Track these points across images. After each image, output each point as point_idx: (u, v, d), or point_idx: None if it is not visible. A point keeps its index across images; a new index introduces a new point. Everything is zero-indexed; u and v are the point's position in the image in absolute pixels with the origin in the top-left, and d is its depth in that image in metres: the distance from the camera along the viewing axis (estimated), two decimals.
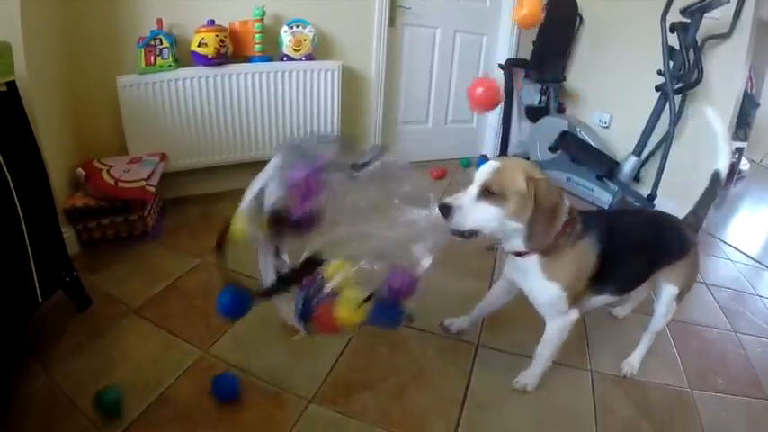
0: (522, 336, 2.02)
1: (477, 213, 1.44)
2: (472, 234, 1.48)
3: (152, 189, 2.57)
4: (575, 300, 1.61)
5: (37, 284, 1.73)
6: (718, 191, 1.91)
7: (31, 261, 1.70)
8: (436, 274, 2.37)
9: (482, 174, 1.46)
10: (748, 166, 6.00)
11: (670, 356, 2.07)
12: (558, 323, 1.66)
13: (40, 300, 1.76)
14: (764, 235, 4.23)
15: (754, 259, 3.29)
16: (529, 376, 1.78)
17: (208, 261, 2.36)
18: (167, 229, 2.74)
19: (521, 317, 2.02)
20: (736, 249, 3.41)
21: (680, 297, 1.86)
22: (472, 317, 2.03)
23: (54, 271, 1.88)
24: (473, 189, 1.46)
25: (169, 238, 2.64)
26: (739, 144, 4.56)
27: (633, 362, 1.98)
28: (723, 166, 1.86)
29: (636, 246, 1.71)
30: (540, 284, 1.58)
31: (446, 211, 1.45)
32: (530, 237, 1.46)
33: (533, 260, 1.54)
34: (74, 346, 1.79)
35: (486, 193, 1.43)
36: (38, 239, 1.73)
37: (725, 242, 3.50)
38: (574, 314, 1.65)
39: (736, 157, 4.89)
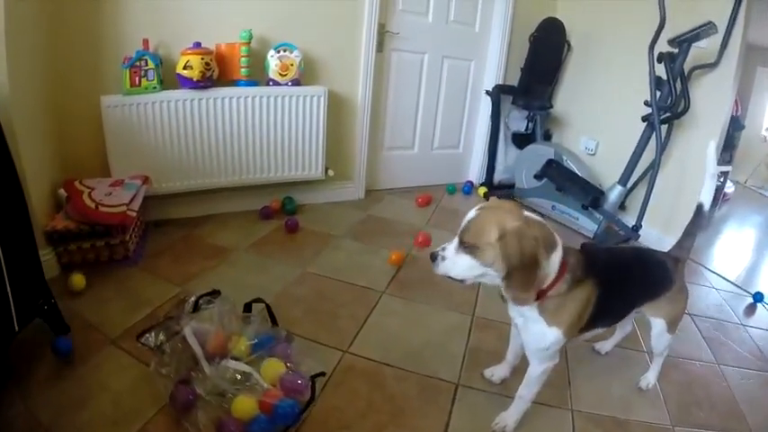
0: None
1: (458, 264, 1.44)
2: (461, 281, 1.48)
3: (133, 214, 2.52)
4: (568, 341, 1.58)
5: (14, 314, 1.67)
6: (703, 223, 1.92)
7: (8, 290, 1.64)
8: (418, 309, 2.38)
9: (462, 223, 1.44)
10: (733, 188, 6.06)
11: (652, 391, 2.04)
12: (543, 367, 1.63)
13: (17, 329, 1.70)
14: (748, 259, 4.27)
15: (737, 286, 3.31)
16: (508, 417, 1.74)
17: (188, 289, 2.32)
18: (149, 252, 2.69)
19: (501, 354, 2.00)
20: (720, 276, 3.42)
21: (670, 329, 1.88)
22: (509, 363, 1.98)
23: (32, 299, 1.82)
24: (455, 239, 1.45)
25: (150, 262, 2.59)
26: (725, 168, 4.60)
27: (650, 377, 2.07)
28: (706, 200, 1.87)
29: (626, 282, 1.69)
30: (540, 330, 1.52)
31: (433, 258, 1.48)
32: (507, 290, 1.40)
33: (532, 307, 1.49)
34: (51, 375, 1.74)
35: (464, 243, 1.41)
36: (15, 267, 1.67)
37: (708, 269, 3.51)
38: (557, 357, 1.63)
39: (722, 180, 4.93)
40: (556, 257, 1.41)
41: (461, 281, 1.47)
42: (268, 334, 1.86)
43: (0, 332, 1.64)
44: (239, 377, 1.65)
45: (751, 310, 3.00)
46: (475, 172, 4.58)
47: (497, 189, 4.24)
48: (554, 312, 1.49)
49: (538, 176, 3.88)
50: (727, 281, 3.36)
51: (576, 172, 3.73)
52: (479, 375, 1.99)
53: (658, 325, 1.87)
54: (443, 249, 1.47)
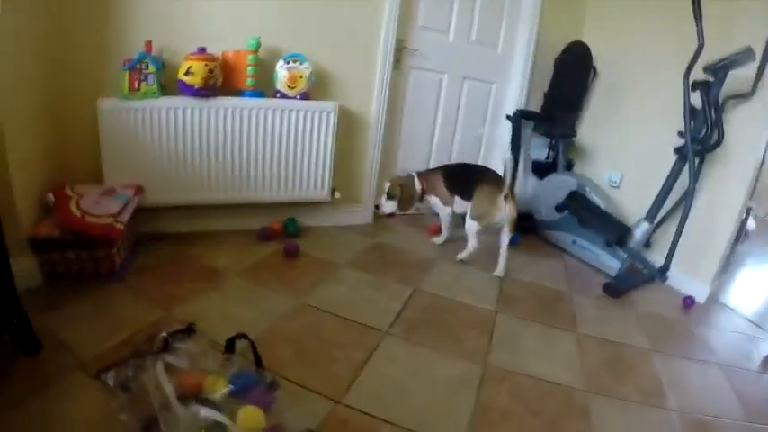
0: None
1: (389, 204, 3.28)
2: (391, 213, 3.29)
3: (120, 227, 2.32)
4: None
5: None
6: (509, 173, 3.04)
7: None
8: (423, 355, 2.14)
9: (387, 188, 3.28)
10: (754, 224, 5.88)
11: None
12: (442, 214, 3.43)
13: None
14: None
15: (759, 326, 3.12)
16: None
17: (172, 315, 2.12)
18: (136, 268, 2.50)
19: (515, 414, 1.77)
20: (750, 321, 3.20)
21: (471, 215, 3.12)
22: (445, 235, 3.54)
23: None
24: (384, 196, 3.30)
25: (136, 278, 2.40)
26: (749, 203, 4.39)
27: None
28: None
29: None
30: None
31: (378, 207, 3.35)
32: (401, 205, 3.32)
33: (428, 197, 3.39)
34: (16, 399, 1.55)
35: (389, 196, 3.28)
36: None
37: (734, 311, 3.29)
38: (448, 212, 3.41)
39: (744, 216, 4.74)
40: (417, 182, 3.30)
41: (391, 213, 3.28)
42: (250, 377, 1.63)
43: None
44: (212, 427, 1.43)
45: None
46: (500, 213, 4.32)
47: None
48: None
49: (559, 208, 3.66)
50: (758, 326, 3.14)
51: (601, 206, 3.50)
52: None
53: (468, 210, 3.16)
54: (381, 201, 3.29)
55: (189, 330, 1.78)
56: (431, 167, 3.51)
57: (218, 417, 1.43)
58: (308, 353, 2.04)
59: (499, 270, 3.13)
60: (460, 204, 3.26)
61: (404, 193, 3.23)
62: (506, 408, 1.88)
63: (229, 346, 1.78)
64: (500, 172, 3.18)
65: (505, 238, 3.12)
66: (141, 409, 1.46)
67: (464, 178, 3.24)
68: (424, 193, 3.31)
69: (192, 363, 1.59)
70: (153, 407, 1.45)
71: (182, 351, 1.64)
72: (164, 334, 1.70)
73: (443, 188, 3.28)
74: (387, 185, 3.26)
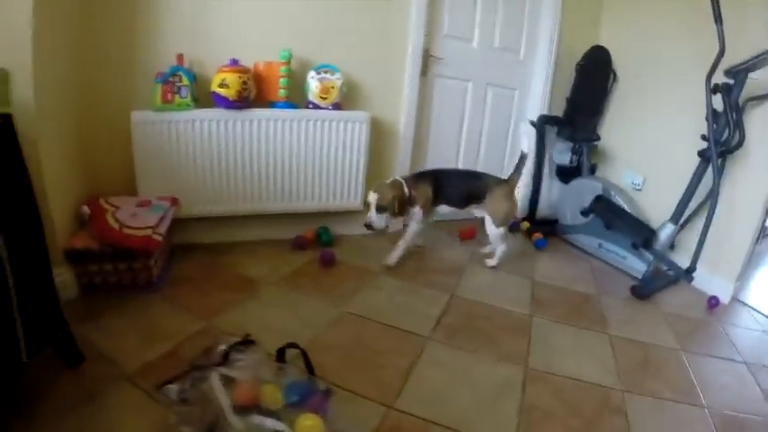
0: None
1: (381, 218, 2.85)
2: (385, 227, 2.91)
3: (159, 238, 2.35)
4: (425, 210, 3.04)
5: (22, 343, 1.53)
6: (524, 165, 3.16)
7: (17, 317, 1.50)
8: (465, 359, 2.17)
9: (373, 201, 2.83)
10: None
11: None
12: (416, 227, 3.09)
13: (25, 359, 1.55)
14: None
15: None
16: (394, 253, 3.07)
17: (213, 325, 2.15)
18: (172, 278, 2.55)
19: (558, 415, 1.78)
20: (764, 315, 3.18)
21: (496, 222, 3.09)
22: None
23: (43, 327, 1.67)
24: (372, 209, 2.84)
25: (172, 289, 2.43)
26: None
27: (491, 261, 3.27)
28: (526, 148, 3.14)
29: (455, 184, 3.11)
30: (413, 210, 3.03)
31: (369, 225, 2.86)
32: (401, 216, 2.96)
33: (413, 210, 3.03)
34: (59, 410, 1.56)
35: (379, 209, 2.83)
36: (25, 292, 1.53)
37: (756, 310, 3.25)
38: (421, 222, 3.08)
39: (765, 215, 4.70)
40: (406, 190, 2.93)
41: (385, 227, 2.91)
42: (306, 386, 1.66)
43: (6, 364, 1.49)
44: None
45: None
46: (518, 205, 4.33)
47: (539, 224, 4.02)
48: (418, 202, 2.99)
49: (585, 213, 3.68)
50: None
51: (626, 209, 3.52)
52: None
53: (487, 219, 3.11)
54: (370, 218, 2.84)
55: (247, 342, 1.80)
56: (415, 173, 3.14)
57: (281, 426, 1.46)
58: (354, 360, 2.06)
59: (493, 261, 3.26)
60: (444, 209, 3.13)
61: (399, 204, 2.87)
62: (549, 409, 1.91)
63: (280, 355, 1.80)
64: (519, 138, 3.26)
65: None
66: (201, 420, 1.49)
67: (455, 186, 3.09)
68: (411, 202, 2.97)
69: (249, 374, 1.61)
70: (213, 417, 1.48)
71: (239, 363, 1.66)
72: (223, 347, 1.72)
73: (430, 200, 3.03)
74: (373, 197, 2.82)
